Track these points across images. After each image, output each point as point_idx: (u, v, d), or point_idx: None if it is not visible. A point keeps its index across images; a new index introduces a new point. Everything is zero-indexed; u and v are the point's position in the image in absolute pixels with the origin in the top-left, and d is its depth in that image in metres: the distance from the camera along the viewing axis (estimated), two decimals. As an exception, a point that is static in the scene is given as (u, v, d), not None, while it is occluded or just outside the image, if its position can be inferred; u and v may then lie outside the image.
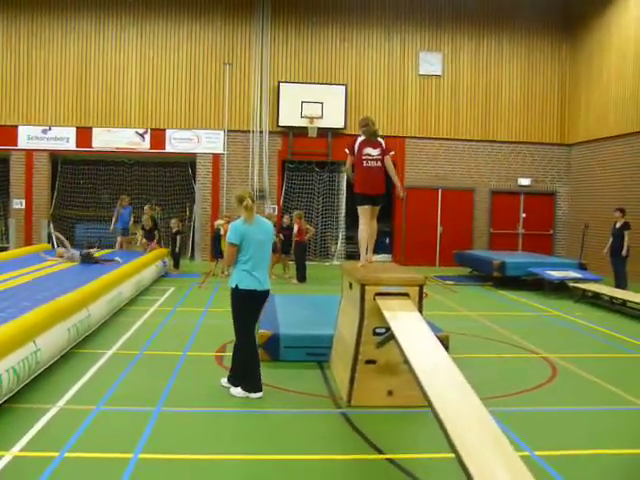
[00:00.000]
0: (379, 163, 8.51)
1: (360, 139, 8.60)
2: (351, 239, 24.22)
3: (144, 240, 19.12)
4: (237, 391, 7.34)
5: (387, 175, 8.61)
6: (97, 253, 15.88)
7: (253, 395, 7.26)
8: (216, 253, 18.52)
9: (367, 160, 8.50)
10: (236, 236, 7.18)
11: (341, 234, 23.45)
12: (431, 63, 23.36)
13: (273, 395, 7.41)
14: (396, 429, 6.51)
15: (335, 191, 23.36)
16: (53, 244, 21.22)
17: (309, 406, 7.09)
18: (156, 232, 19.33)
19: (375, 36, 23.19)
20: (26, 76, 22.64)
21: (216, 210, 22.48)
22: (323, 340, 8.83)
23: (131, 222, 20.34)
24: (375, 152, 8.53)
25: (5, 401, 6.48)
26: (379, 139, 8.56)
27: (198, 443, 5.88)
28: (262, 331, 8.85)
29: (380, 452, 5.79)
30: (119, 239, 20.28)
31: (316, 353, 8.92)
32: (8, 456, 5.41)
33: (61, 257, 15.05)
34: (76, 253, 14.99)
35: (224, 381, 7.62)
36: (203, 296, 14.64)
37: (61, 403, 6.80)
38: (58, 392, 7.13)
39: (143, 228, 19.44)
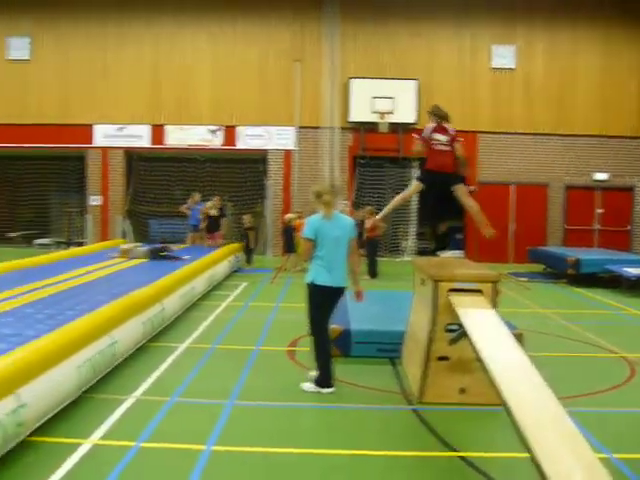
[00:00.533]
0: (449, 148, 8.85)
1: (430, 126, 8.83)
2: (422, 235, 24.13)
3: (207, 234, 19.39)
4: (308, 386, 7.33)
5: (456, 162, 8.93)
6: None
7: (325, 390, 7.26)
8: (287, 248, 18.62)
9: (436, 144, 8.83)
10: (311, 231, 7.23)
11: (412, 230, 23.30)
12: (503, 56, 22.99)
13: (344, 390, 7.41)
14: (469, 427, 6.44)
15: (406, 186, 23.14)
16: (127, 239, 21.73)
17: (380, 402, 7.06)
18: (222, 221, 19.48)
19: (446, 30, 22.96)
20: (102, 76, 23.22)
21: (287, 206, 22.62)
22: (394, 336, 8.78)
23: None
24: (444, 138, 8.84)
25: (84, 391, 6.65)
26: (448, 127, 8.70)
27: (270, 437, 5.92)
28: (333, 326, 8.83)
29: (453, 450, 5.73)
30: (190, 235, 20.58)
31: (387, 349, 8.87)
32: (87, 444, 5.56)
33: (127, 254, 15.00)
34: (143, 250, 15.01)
35: (308, 386, 7.34)
36: (275, 291, 14.74)
37: (137, 394, 6.94)
38: (134, 384, 7.28)
39: (208, 217, 19.64)
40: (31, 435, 5.53)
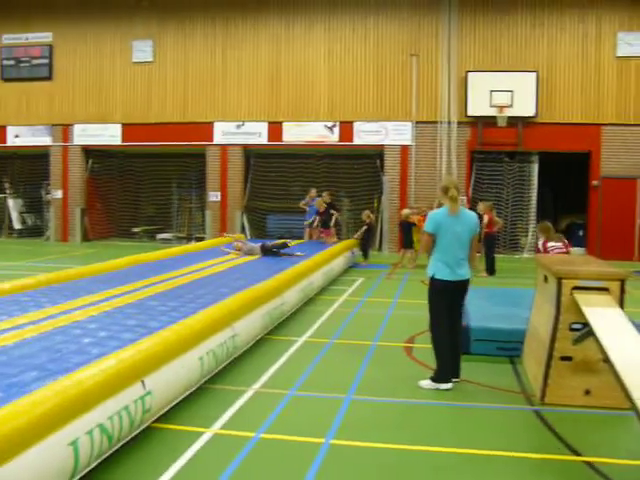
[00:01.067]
0: None
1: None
2: (542, 232, 23.42)
3: (320, 228, 19.50)
4: (425, 383, 7.28)
5: None
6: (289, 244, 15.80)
7: (442, 386, 7.19)
8: (404, 244, 18.49)
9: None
10: (432, 225, 7.23)
11: (532, 226, 22.69)
12: (631, 44, 22.01)
13: (463, 388, 7.29)
14: (594, 431, 6.18)
15: (526, 182, 22.59)
16: (246, 234, 22.17)
17: (500, 401, 6.90)
18: (333, 216, 19.54)
19: (568, 18, 22.12)
20: (221, 75, 23.79)
21: (404, 202, 22.49)
22: (515, 334, 8.56)
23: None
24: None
25: (205, 382, 6.81)
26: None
27: (388, 432, 5.89)
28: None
29: (577, 454, 5.53)
30: (308, 230, 20.74)
31: (507, 348, 8.66)
32: (209, 433, 5.70)
33: (239, 250, 14.86)
34: (255, 246, 14.78)
35: (427, 383, 7.30)
36: (392, 287, 14.68)
37: (256, 386, 7.05)
38: (254, 376, 7.40)
39: (317, 213, 19.76)
40: (155, 422, 5.71)
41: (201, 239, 23.05)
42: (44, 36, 25.31)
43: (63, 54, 25.19)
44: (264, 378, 7.36)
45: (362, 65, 22.91)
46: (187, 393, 6.33)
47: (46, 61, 25.25)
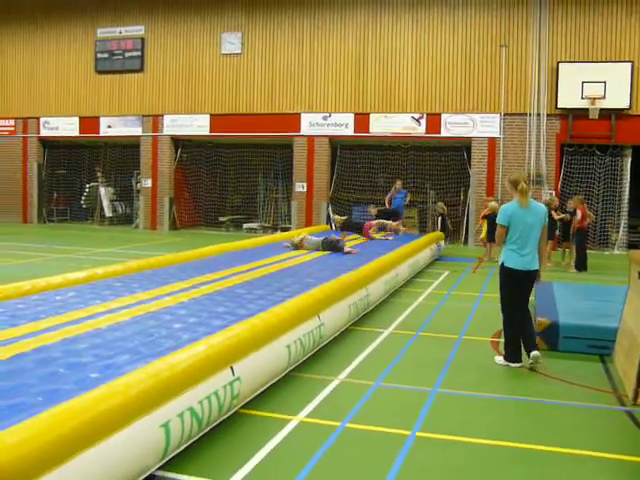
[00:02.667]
0: None
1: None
2: (635, 228, 22.78)
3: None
4: (499, 359, 7.83)
5: None
6: (348, 242, 14.36)
7: (513, 365, 7.65)
8: (490, 236, 18.21)
9: None
10: (504, 218, 7.63)
11: (623, 222, 22.02)
12: None
13: (552, 385, 7.14)
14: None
15: (618, 176, 21.91)
16: (331, 225, 22.19)
17: (589, 400, 6.70)
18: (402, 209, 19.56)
19: (668, 4, 21.37)
20: (308, 66, 23.89)
21: (491, 195, 22.11)
22: (607, 332, 8.32)
23: (404, 205, 20.42)
24: None
25: (292, 370, 6.86)
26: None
27: (473, 427, 5.79)
28: (540, 319, 8.57)
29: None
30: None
31: (598, 345, 8.42)
32: (295, 421, 5.72)
33: (300, 246, 13.61)
34: (317, 241, 13.59)
35: (500, 359, 7.86)
36: (478, 281, 14.47)
37: (342, 376, 7.05)
38: (339, 366, 7.40)
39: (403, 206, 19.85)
40: (243, 408, 5.78)
41: (287, 229, 23.23)
42: (136, 29, 25.96)
43: (154, 47, 25.79)
44: (350, 368, 7.35)
45: (450, 56, 22.63)
46: (274, 380, 6.39)
47: (138, 54, 25.89)
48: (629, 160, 21.74)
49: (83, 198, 28.16)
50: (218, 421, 5.27)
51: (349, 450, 5.21)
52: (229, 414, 5.48)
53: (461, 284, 14.01)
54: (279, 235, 18.38)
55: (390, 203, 20.42)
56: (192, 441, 4.89)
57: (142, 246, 19.85)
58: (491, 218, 18.24)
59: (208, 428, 5.11)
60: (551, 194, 21.28)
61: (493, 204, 18.72)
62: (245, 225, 25.96)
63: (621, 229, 22.02)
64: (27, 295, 7.65)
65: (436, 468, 4.98)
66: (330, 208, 24.11)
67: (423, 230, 22.26)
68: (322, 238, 13.67)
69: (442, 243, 18.32)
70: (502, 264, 7.70)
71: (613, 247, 21.88)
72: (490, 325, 9.77)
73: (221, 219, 26.65)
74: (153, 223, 26.11)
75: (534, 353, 7.54)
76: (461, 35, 22.53)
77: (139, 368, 4.61)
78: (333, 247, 13.19)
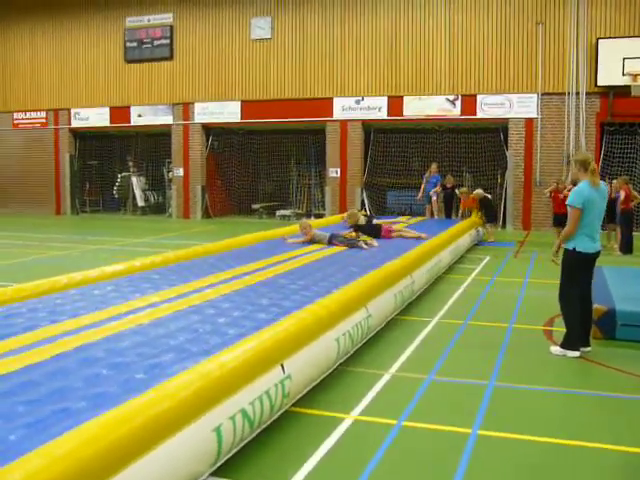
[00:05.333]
0: None
1: None
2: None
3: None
4: (555, 349, 7.50)
5: None
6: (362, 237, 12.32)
7: (570, 354, 7.33)
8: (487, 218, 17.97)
9: None
10: (581, 200, 7.20)
11: (667, 203, 21.36)
12: None
13: (614, 377, 6.79)
14: None
15: (661, 155, 21.31)
16: (366, 211, 21.88)
17: None
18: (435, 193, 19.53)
19: None
20: (340, 50, 23.50)
21: (529, 177, 21.64)
22: (668, 319, 7.95)
23: (434, 190, 19.89)
24: None
25: (340, 364, 6.57)
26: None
27: (537, 424, 5.47)
28: (596, 306, 8.17)
29: None
30: (428, 207, 20.28)
31: (657, 334, 8.05)
32: (349, 419, 5.44)
33: (305, 238, 12.10)
34: (324, 235, 12.08)
35: (556, 349, 7.52)
36: (521, 266, 14.08)
37: (393, 370, 6.75)
38: (389, 358, 7.10)
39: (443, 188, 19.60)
40: (293, 406, 5.50)
41: (320, 216, 22.93)
42: (165, 17, 25.72)
43: (183, 34, 25.55)
44: (400, 361, 7.05)
45: (485, 35, 22.10)
46: (323, 376, 6.10)
47: (167, 42, 25.67)
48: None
49: (115, 188, 28.09)
50: (269, 422, 5.00)
51: (409, 451, 4.92)
52: (279, 414, 5.20)
53: (504, 270, 13.61)
54: (313, 221, 18.01)
55: (423, 190, 19.96)
56: (243, 444, 4.61)
57: (176, 235, 19.69)
58: (483, 203, 17.89)
59: (259, 430, 4.84)
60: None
61: (478, 191, 18.28)
62: (278, 212, 25.71)
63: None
64: (65, 290, 7.43)
65: (505, 469, 4.66)
66: (364, 194, 23.75)
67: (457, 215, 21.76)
68: (330, 234, 12.11)
69: (480, 229, 17.86)
70: (574, 249, 7.29)
71: (656, 229, 21.25)
72: (539, 312, 9.43)
73: (254, 207, 26.43)
74: (186, 212, 25.95)
75: (589, 349, 7.50)
76: (496, 13, 21.96)
77: (188, 368, 4.34)
78: (346, 244, 11.70)
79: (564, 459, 4.87)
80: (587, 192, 7.20)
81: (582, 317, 7.46)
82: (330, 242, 11.75)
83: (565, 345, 7.42)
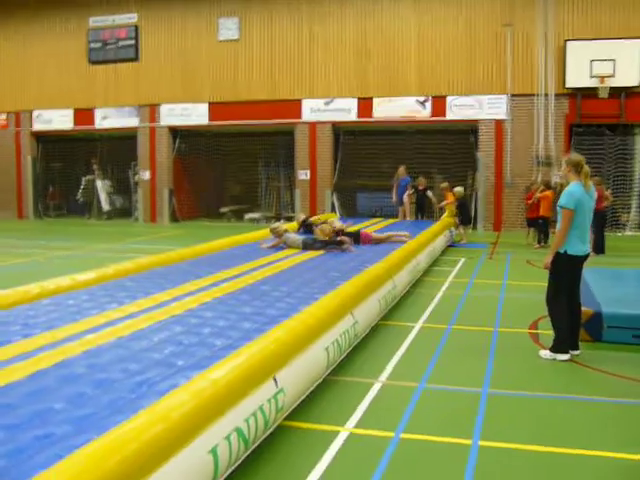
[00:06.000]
0: None
1: None
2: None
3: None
4: (545, 353, 7.35)
5: None
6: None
7: (560, 357, 7.20)
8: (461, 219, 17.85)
9: None
10: (573, 201, 7.08)
11: (635, 202, 21.51)
12: None
13: (606, 381, 6.65)
14: None
15: (628, 156, 21.39)
16: (337, 213, 21.67)
17: (638, 395, 6.22)
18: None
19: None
20: (309, 51, 23.27)
21: (499, 178, 21.60)
22: (655, 321, 7.84)
23: (407, 193, 19.77)
24: None
25: (328, 374, 6.32)
26: None
27: (537, 432, 5.29)
28: (583, 309, 8.03)
29: None
30: (400, 209, 20.13)
31: (646, 335, 7.94)
32: (345, 432, 5.21)
33: (278, 241, 11.80)
34: (297, 239, 11.73)
35: (546, 353, 7.37)
36: (497, 268, 13.96)
37: (383, 378, 6.52)
38: (378, 366, 6.87)
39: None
40: (285, 420, 5.25)
41: (290, 219, 22.64)
42: (130, 17, 25.24)
43: (149, 34, 25.10)
44: (389, 369, 6.82)
45: (454, 37, 21.99)
46: (313, 387, 5.84)
47: (132, 42, 25.20)
48: (639, 139, 21.22)
49: (79, 192, 27.51)
50: (262, 438, 4.73)
51: (411, 465, 4.70)
52: (272, 429, 4.93)
53: (481, 271, 13.48)
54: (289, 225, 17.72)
55: (396, 193, 19.84)
56: (238, 464, 4.34)
57: (144, 240, 19.27)
58: (460, 202, 17.81)
59: (253, 447, 4.56)
60: (560, 176, 20.72)
61: (459, 189, 18.22)
62: (247, 215, 25.37)
63: (632, 210, 21.51)
64: (36, 300, 7.09)
65: (513, 484, 4.47)
66: (334, 196, 23.52)
67: (430, 217, 21.58)
68: (302, 238, 11.74)
69: (454, 229, 17.76)
70: (565, 252, 7.13)
71: (624, 228, 21.36)
72: (523, 315, 9.30)
73: (222, 210, 26.06)
74: (153, 216, 25.49)
75: (578, 352, 7.40)
76: (465, 15, 21.87)
77: (179, 386, 4.07)
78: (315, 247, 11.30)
79: (569, 469, 4.69)
80: (579, 194, 7.09)
81: (571, 320, 7.34)
82: (305, 247, 11.42)
83: (554, 349, 7.28)
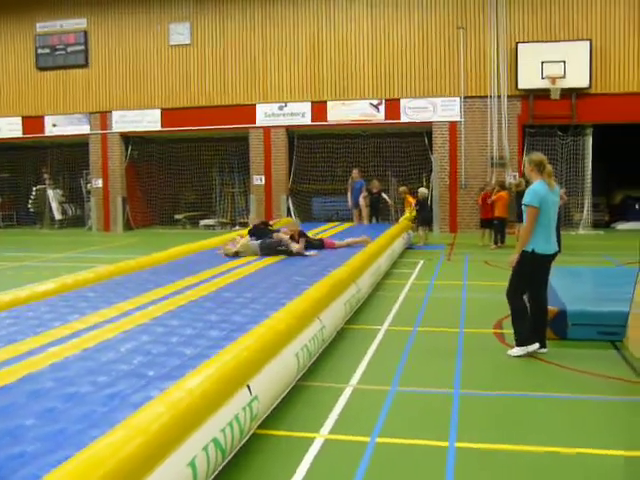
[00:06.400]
0: None
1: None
2: (597, 207, 22.68)
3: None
4: (515, 351, 7.34)
5: None
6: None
7: (531, 347, 7.26)
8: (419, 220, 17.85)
9: None
10: (537, 199, 7.08)
11: (587, 201, 21.86)
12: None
13: (565, 377, 6.73)
14: None
15: (580, 156, 21.72)
16: (293, 218, 21.55)
17: (607, 391, 6.29)
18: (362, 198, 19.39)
19: (623, -17, 21.15)
20: (261, 55, 23.19)
21: (454, 180, 21.76)
22: (617, 317, 7.89)
23: (362, 195, 19.78)
24: None
25: (298, 380, 6.24)
26: None
27: (513, 431, 5.31)
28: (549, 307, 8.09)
29: None
30: (355, 212, 20.13)
31: (609, 332, 8.00)
32: (320, 439, 5.13)
33: (234, 253, 11.32)
34: (254, 244, 11.44)
35: (514, 351, 7.38)
36: (456, 269, 14.02)
37: (354, 382, 6.46)
38: (346, 370, 6.81)
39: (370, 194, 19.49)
40: (258, 428, 5.14)
41: (245, 224, 22.47)
42: (79, 22, 24.84)
43: (99, 40, 24.75)
44: (359, 373, 6.76)
45: (407, 40, 22.13)
46: (284, 394, 5.75)
47: (82, 47, 24.82)
48: (590, 139, 21.60)
49: (30, 201, 26.97)
50: (238, 447, 4.62)
51: (390, 470, 4.64)
52: (246, 438, 4.83)
53: (441, 273, 13.54)
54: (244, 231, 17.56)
55: (351, 196, 19.85)
56: (215, 474, 4.23)
57: (99, 249, 18.94)
58: (421, 203, 17.90)
59: (229, 457, 4.46)
60: (515, 176, 21.00)
61: (423, 190, 18.36)
62: (202, 222, 25.15)
63: (585, 209, 21.85)
64: (-6, 312, 6.87)
65: (491, 485, 4.44)
66: (290, 200, 23.44)
67: (386, 219, 21.59)
68: (259, 242, 11.45)
69: (411, 232, 17.80)
70: (532, 251, 7.12)
71: (578, 227, 21.67)
72: (486, 315, 9.34)
73: (177, 217, 25.78)
74: (106, 224, 25.10)
75: (545, 350, 7.41)
76: (417, 18, 22.02)
77: (153, 398, 3.95)
78: (277, 251, 11.12)
79: (548, 467, 4.68)
80: (544, 192, 7.12)
81: (537, 318, 7.38)
82: (263, 253, 11.21)
83: (520, 342, 7.31)
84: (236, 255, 11.26)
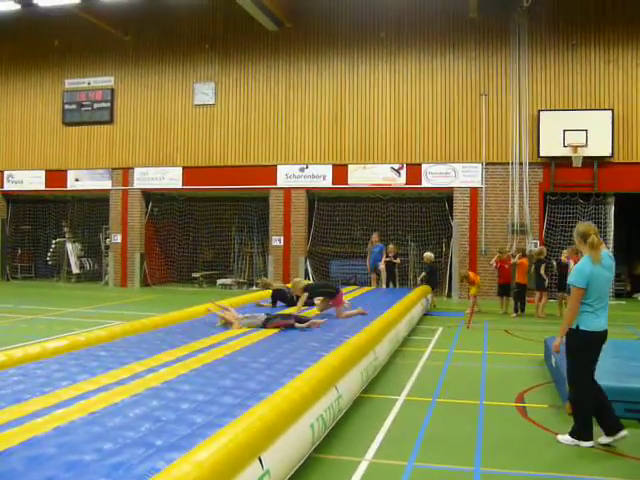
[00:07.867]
0: None
1: None
2: (618, 276, 22.33)
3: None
4: (565, 438, 6.76)
5: None
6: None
7: (584, 444, 6.64)
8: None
9: None
10: (584, 279, 6.61)
11: (609, 271, 21.50)
12: None
13: (591, 456, 6.41)
14: None
15: (602, 224, 21.46)
16: (310, 280, 21.38)
17: (636, 476, 5.94)
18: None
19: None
20: (284, 117, 23.32)
21: (474, 246, 21.57)
22: (645, 394, 7.61)
23: (384, 260, 19.67)
24: None
25: (312, 451, 5.98)
26: None
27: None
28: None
29: None
30: (374, 276, 20.01)
31: (636, 409, 7.70)
32: (333, 519, 4.86)
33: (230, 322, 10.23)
34: (259, 316, 10.31)
35: (565, 438, 6.79)
36: (475, 337, 13.72)
37: (369, 456, 6.19)
38: (362, 443, 6.54)
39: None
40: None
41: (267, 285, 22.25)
42: (106, 80, 25.22)
43: (124, 98, 25.07)
44: (375, 446, 6.48)
45: (429, 105, 22.21)
46: (297, 467, 5.50)
47: (107, 105, 25.12)
48: (612, 208, 21.39)
49: (49, 254, 27.03)
50: (246, 526, 4.37)
51: None
52: (256, 515, 4.58)
53: (460, 341, 13.23)
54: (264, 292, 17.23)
55: (369, 260, 19.86)
56: None
57: (114, 305, 18.80)
58: (431, 268, 17.78)
59: (236, 536, 4.21)
60: (536, 244, 20.80)
61: (429, 255, 18.24)
62: (219, 281, 25.02)
63: (608, 278, 21.48)
64: (1, 369, 6.70)
65: None
66: (308, 262, 23.31)
67: (403, 284, 21.34)
68: (264, 314, 10.44)
69: (429, 297, 17.57)
70: (577, 328, 6.64)
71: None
72: (507, 387, 9.07)
73: (194, 275, 25.68)
74: (123, 280, 25.03)
75: (625, 433, 6.70)
76: (440, 84, 22.15)
77: (160, 471, 3.73)
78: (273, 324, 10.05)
79: None
80: (589, 270, 6.60)
81: (598, 402, 6.80)
82: (265, 326, 10.03)
83: (577, 435, 6.72)
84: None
